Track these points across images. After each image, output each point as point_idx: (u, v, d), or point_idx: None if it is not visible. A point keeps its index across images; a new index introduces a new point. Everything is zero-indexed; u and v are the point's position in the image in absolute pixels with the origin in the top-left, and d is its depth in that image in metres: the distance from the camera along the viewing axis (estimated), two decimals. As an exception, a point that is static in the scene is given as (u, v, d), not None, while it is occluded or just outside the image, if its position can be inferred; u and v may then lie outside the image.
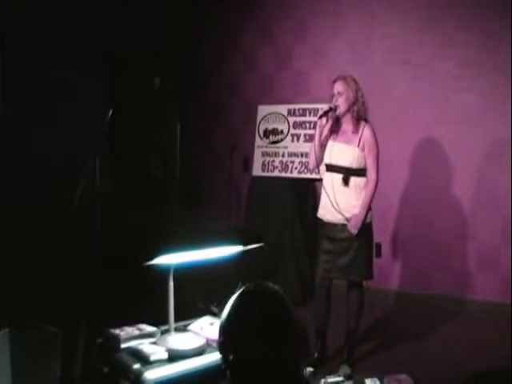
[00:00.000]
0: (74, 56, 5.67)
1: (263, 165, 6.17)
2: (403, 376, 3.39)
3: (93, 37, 5.86)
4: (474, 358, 4.25)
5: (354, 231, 4.13)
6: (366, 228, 4.20)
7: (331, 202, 4.16)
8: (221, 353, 1.62)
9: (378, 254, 5.46)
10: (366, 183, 4.19)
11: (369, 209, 4.20)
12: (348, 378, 3.41)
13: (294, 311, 1.64)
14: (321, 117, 4.23)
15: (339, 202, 4.15)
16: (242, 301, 1.65)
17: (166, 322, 2.84)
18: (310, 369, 1.63)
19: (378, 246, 5.44)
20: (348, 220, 4.14)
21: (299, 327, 1.63)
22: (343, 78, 4.21)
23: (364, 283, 4.31)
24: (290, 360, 1.59)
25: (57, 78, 5.53)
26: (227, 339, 1.61)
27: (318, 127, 4.27)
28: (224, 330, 1.63)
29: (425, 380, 3.36)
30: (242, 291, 1.68)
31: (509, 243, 5.18)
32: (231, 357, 1.57)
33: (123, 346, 2.73)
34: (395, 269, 5.74)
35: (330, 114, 4.20)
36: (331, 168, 4.22)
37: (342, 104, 4.15)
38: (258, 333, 1.57)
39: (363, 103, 4.21)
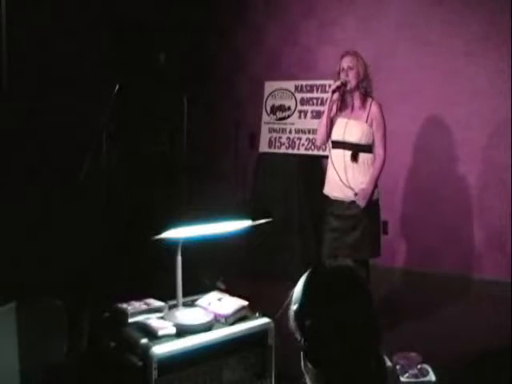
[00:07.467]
0: (78, 30, 5.61)
1: (270, 141, 6.12)
2: (412, 354, 3.40)
3: (97, 10, 5.79)
4: (481, 336, 4.24)
5: (362, 203, 4.10)
6: (373, 205, 4.19)
7: (339, 178, 4.14)
8: (296, 320, 1.59)
9: (385, 232, 5.43)
10: (374, 159, 4.17)
11: (376, 185, 4.18)
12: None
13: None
14: (334, 91, 4.19)
15: (347, 179, 4.13)
16: (321, 275, 1.65)
17: (173, 296, 2.82)
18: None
19: (385, 223, 5.41)
20: (356, 195, 4.12)
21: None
22: (352, 53, 4.18)
23: (370, 261, 4.29)
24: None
25: (61, 51, 5.48)
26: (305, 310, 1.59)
27: (328, 102, 4.23)
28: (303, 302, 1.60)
29: (433, 357, 3.35)
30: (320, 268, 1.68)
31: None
32: (307, 322, 1.55)
33: (130, 320, 2.71)
34: (402, 246, 5.72)
35: (341, 88, 4.17)
36: (339, 144, 4.19)
37: (352, 78, 4.14)
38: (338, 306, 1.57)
39: (370, 79, 4.20)
